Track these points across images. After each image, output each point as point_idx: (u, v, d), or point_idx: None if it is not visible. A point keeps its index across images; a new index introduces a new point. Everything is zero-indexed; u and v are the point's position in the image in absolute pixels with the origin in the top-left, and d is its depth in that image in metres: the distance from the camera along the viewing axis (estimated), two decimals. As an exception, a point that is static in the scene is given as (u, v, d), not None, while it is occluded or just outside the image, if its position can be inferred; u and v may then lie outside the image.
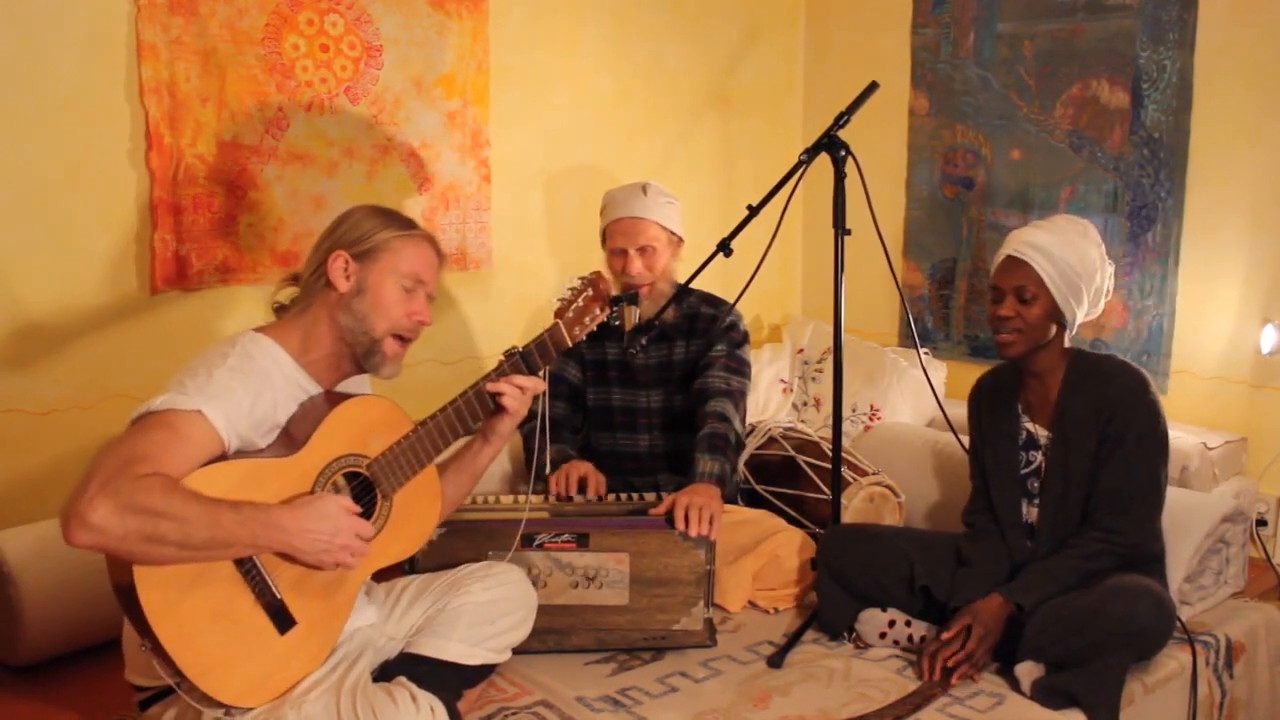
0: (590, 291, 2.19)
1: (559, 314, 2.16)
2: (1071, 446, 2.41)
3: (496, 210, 3.31)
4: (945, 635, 2.28)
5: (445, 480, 2.13)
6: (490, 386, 2.06)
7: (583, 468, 2.75)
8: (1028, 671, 2.23)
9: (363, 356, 1.98)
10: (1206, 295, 3.13)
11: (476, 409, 2.07)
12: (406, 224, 2.03)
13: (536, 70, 3.37)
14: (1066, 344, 2.47)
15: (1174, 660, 2.39)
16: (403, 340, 2.02)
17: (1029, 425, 2.50)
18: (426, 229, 2.08)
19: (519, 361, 2.11)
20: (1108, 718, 2.15)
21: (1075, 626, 2.19)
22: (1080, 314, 2.43)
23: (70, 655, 2.37)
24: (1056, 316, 2.40)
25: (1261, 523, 3.02)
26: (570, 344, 2.16)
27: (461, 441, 2.15)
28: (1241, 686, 2.57)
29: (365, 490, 1.94)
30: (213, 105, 2.72)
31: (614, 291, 2.25)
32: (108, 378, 2.63)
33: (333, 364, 1.98)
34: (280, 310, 2.05)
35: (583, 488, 2.71)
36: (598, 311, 2.18)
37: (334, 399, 1.94)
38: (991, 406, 2.57)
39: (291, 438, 1.86)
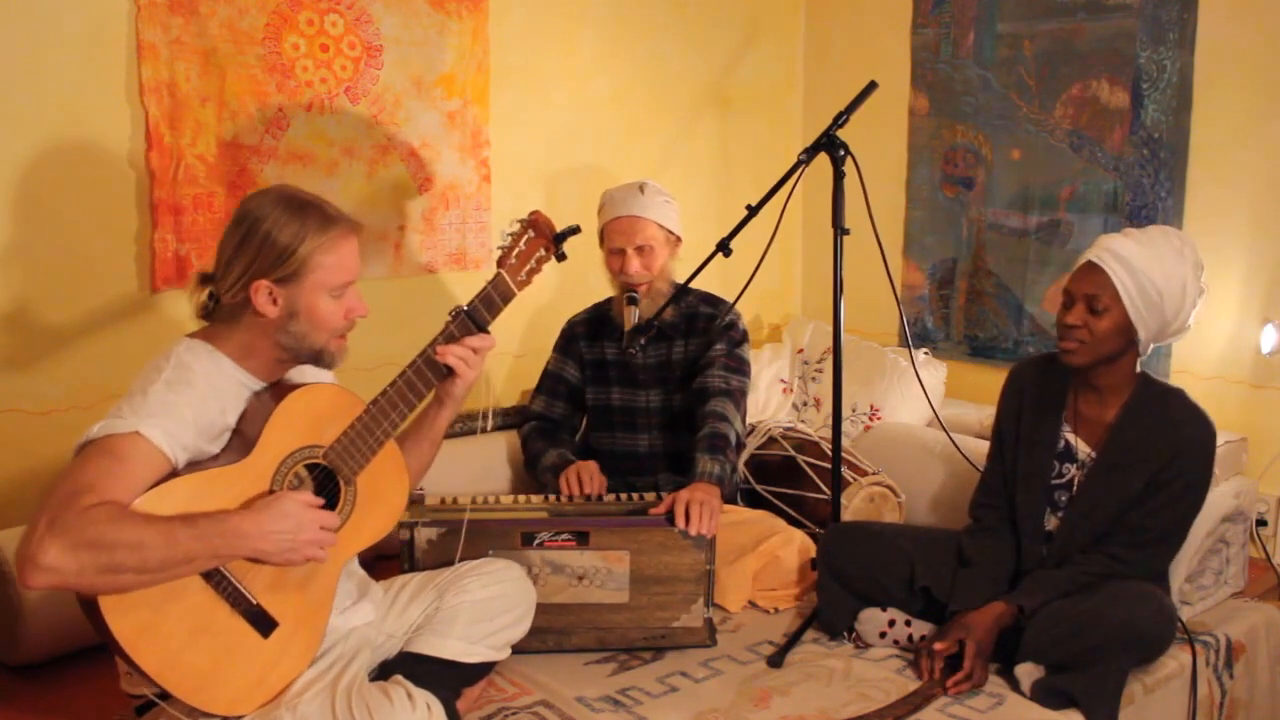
0: (531, 233, 2.08)
1: (501, 262, 2.08)
2: (1116, 475, 2.33)
3: (496, 210, 3.30)
4: (938, 646, 2.26)
5: (406, 451, 2.08)
6: (440, 355, 2.01)
7: (588, 467, 2.76)
8: (1027, 672, 2.23)
9: (310, 362, 1.93)
10: (1206, 295, 3.12)
11: (428, 376, 2.01)
12: (320, 220, 1.86)
13: (536, 70, 3.37)
14: (1138, 367, 2.36)
15: (1174, 660, 2.39)
16: (344, 336, 1.95)
17: (1069, 436, 2.41)
18: (338, 213, 1.90)
19: (465, 320, 2.04)
20: (1107, 719, 2.15)
21: (1076, 629, 2.19)
22: (1157, 335, 2.30)
23: (70, 655, 2.37)
24: (1128, 332, 2.28)
25: (1261, 523, 3.02)
26: (517, 292, 2.07)
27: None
28: (1241, 686, 2.57)
29: (328, 479, 1.90)
30: (213, 105, 2.72)
31: (557, 229, 2.11)
32: (108, 378, 2.63)
33: (276, 367, 1.92)
34: (206, 312, 1.93)
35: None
36: (542, 252, 2.08)
37: (280, 392, 1.87)
38: (1034, 407, 2.46)
39: (243, 439, 1.82)
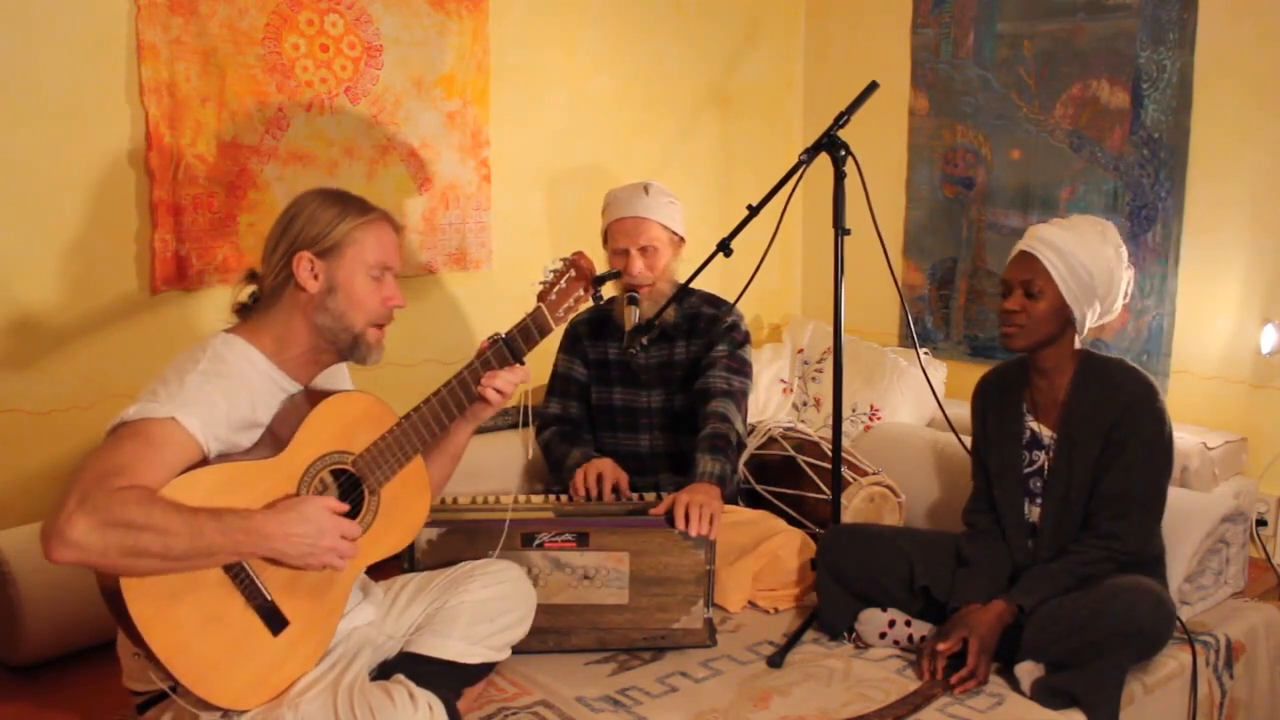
0: (573, 272, 2.14)
1: (542, 297, 2.13)
2: (1076, 448, 2.40)
3: (496, 210, 3.31)
4: (942, 647, 2.26)
5: (428, 463, 2.10)
6: (482, 390, 2.05)
7: (601, 465, 2.76)
8: (1028, 671, 2.23)
9: (347, 350, 1.97)
10: (1206, 295, 3.13)
11: (461, 398, 2.05)
12: (361, 207, 1.97)
13: (536, 70, 3.37)
14: (1077, 345, 2.46)
15: (1174, 660, 2.39)
16: (381, 326, 2.00)
17: (1033, 425, 2.49)
18: (378, 206, 2.00)
19: (502, 348, 2.08)
20: (1108, 718, 2.15)
21: (1075, 626, 2.19)
22: (1091, 314, 2.41)
23: (70, 655, 2.37)
24: (1064, 313, 2.39)
25: (1261, 523, 3.02)
26: (554, 327, 2.12)
27: None
28: (1241, 686, 2.57)
29: (353, 487, 1.92)
30: (213, 105, 2.72)
31: (597, 271, 2.19)
32: (108, 378, 2.63)
33: (311, 359, 1.96)
34: (243, 310, 2.00)
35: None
36: (581, 292, 2.14)
37: (315, 396, 1.91)
38: (997, 405, 2.55)
39: (275, 438, 1.84)
